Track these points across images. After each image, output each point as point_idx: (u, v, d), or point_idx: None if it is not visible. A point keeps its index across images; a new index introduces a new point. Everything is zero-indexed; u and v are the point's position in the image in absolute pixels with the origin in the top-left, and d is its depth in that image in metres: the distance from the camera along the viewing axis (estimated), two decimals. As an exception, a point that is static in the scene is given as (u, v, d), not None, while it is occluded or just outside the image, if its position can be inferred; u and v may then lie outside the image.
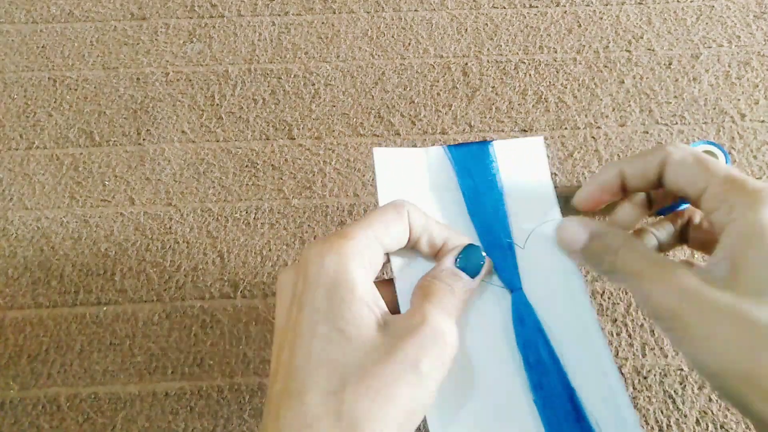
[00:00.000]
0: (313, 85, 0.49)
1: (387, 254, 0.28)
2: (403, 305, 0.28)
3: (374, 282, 0.26)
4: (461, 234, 0.29)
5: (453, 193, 0.31)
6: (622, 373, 0.38)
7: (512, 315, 0.28)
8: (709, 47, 0.51)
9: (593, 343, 0.27)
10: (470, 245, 0.28)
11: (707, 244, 0.29)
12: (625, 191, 0.29)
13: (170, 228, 0.44)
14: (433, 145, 0.47)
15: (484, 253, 0.28)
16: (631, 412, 0.26)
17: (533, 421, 0.26)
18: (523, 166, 0.32)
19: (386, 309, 0.25)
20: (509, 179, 0.31)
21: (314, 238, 0.43)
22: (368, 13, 0.53)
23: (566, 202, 0.44)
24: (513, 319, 0.28)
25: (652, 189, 0.29)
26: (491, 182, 0.31)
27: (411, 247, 0.28)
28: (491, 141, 0.32)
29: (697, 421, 0.37)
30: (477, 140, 0.47)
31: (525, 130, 0.47)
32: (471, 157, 0.31)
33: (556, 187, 0.33)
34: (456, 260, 0.27)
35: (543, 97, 0.48)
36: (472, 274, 0.27)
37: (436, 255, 0.29)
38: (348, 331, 0.23)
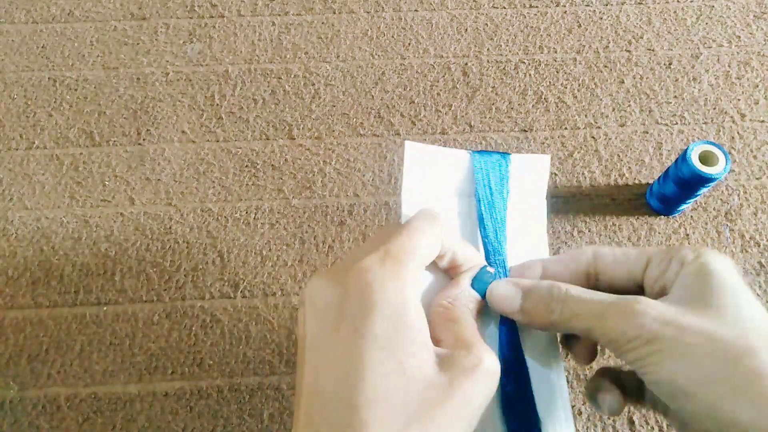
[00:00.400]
0: (313, 85, 0.49)
1: None
2: None
3: None
4: (476, 252, 0.29)
5: (469, 201, 0.32)
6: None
7: (498, 331, 0.29)
8: (709, 47, 0.51)
9: (554, 363, 0.29)
10: (484, 268, 0.29)
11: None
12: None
13: (170, 228, 0.44)
14: (434, 144, 0.46)
15: (491, 271, 0.29)
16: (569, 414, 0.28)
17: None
18: (528, 183, 0.33)
19: (433, 345, 0.25)
20: (514, 194, 0.32)
21: (313, 238, 0.43)
22: (368, 13, 0.53)
23: (565, 202, 0.44)
24: (499, 336, 0.29)
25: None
26: (502, 195, 0.32)
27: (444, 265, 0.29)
28: (509, 153, 0.33)
29: (697, 421, 0.37)
30: (477, 140, 0.47)
31: (525, 130, 0.47)
32: (491, 167, 0.32)
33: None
34: (472, 282, 0.28)
35: (543, 97, 0.48)
36: (483, 296, 0.28)
37: (450, 270, 0.29)
38: (407, 367, 0.22)
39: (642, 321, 0.23)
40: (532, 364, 0.29)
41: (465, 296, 0.27)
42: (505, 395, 0.27)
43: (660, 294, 0.26)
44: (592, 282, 0.28)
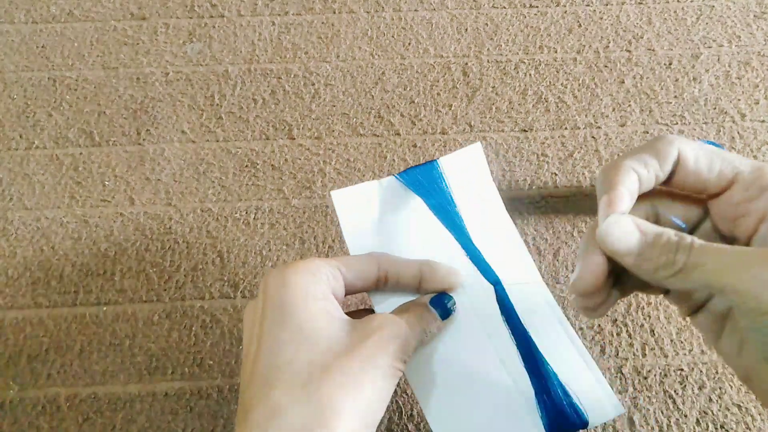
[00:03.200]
0: (313, 85, 0.49)
1: (363, 292, 0.30)
2: None
3: (356, 311, 0.29)
4: (431, 263, 0.31)
5: (418, 208, 0.33)
6: (622, 373, 0.38)
7: (498, 306, 0.31)
8: (710, 47, 0.51)
9: (559, 324, 0.31)
10: (441, 294, 0.30)
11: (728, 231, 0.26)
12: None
13: (170, 228, 0.44)
14: (433, 145, 0.47)
15: (452, 303, 0.30)
16: (602, 378, 0.29)
17: (527, 404, 0.29)
18: (468, 174, 0.35)
19: (344, 315, 0.27)
20: (459, 188, 0.34)
21: (313, 238, 0.43)
22: (368, 13, 0.53)
23: (566, 202, 0.44)
24: (500, 311, 0.31)
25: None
26: (445, 197, 0.34)
27: (390, 290, 0.31)
28: (436, 159, 0.34)
29: (698, 421, 0.37)
30: (478, 141, 0.47)
31: (525, 130, 0.47)
32: (422, 178, 0.34)
33: (502, 189, 0.36)
34: (429, 301, 0.30)
35: (543, 97, 0.48)
36: (441, 316, 0.29)
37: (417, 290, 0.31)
38: (307, 330, 0.25)
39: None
40: (530, 321, 0.30)
41: (419, 305, 0.29)
42: (539, 402, 0.29)
43: (734, 220, 0.24)
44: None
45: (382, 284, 0.30)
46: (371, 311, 0.31)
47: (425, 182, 0.34)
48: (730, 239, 0.25)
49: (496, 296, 0.31)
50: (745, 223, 0.24)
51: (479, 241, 0.32)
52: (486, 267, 0.32)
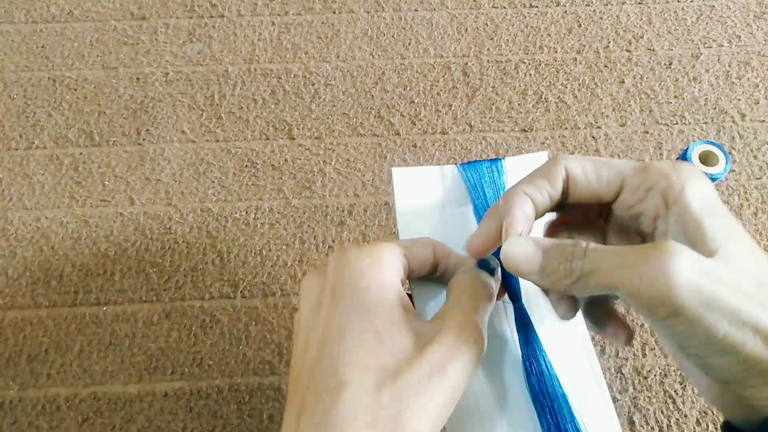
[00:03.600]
0: (313, 85, 0.49)
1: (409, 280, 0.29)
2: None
3: None
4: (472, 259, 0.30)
5: (466, 210, 0.33)
6: (622, 373, 0.38)
7: (516, 325, 0.29)
8: (710, 47, 0.51)
9: (583, 354, 0.29)
10: (484, 258, 0.29)
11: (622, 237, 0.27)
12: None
13: (170, 228, 0.44)
14: (433, 145, 0.46)
15: (498, 262, 0.29)
16: (612, 410, 0.28)
17: (534, 427, 0.27)
18: None
19: (414, 312, 0.26)
20: None
21: (313, 238, 0.43)
22: (368, 13, 0.53)
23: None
24: (517, 330, 0.29)
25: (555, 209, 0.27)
26: (500, 196, 0.32)
27: (437, 279, 0.29)
28: (502, 158, 0.33)
29: (698, 421, 0.37)
30: (477, 140, 0.47)
31: (525, 130, 0.47)
32: (483, 175, 0.33)
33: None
34: (478, 263, 0.29)
35: (543, 97, 0.48)
36: (492, 273, 0.28)
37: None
38: (383, 332, 0.23)
39: (674, 279, 0.20)
40: (554, 352, 0.29)
41: (471, 268, 0.28)
42: (531, 389, 0.28)
43: (631, 222, 0.25)
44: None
45: (431, 271, 0.29)
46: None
47: (484, 180, 0.33)
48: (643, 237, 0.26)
49: (515, 315, 0.29)
50: (645, 222, 0.25)
51: None
52: (513, 282, 0.30)
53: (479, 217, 0.32)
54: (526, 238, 0.26)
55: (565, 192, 0.26)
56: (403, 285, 0.27)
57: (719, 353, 0.21)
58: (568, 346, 0.29)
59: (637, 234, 0.26)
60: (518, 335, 0.29)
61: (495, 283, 0.28)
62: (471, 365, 0.24)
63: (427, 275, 0.29)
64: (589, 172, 0.25)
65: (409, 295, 0.30)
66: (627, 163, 0.25)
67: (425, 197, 0.33)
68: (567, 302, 0.27)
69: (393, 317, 0.24)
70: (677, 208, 0.23)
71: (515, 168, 0.33)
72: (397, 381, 0.22)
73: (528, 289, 0.30)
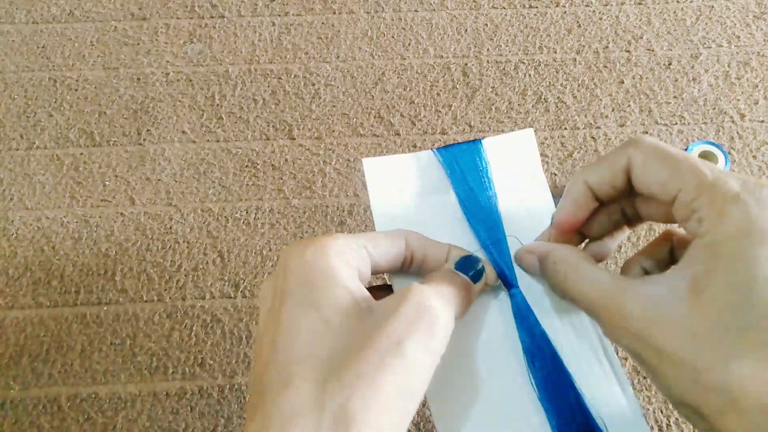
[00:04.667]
0: (314, 85, 0.49)
1: (385, 273, 0.28)
2: None
3: (370, 287, 0.26)
4: (462, 249, 0.28)
5: (446, 197, 0.31)
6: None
7: (513, 314, 0.28)
8: (709, 47, 0.51)
9: (591, 338, 0.27)
10: (468, 255, 0.27)
11: None
12: (600, 201, 0.26)
13: (171, 228, 0.44)
14: (433, 145, 0.47)
15: (483, 263, 0.27)
16: (633, 401, 0.26)
17: (540, 422, 0.25)
18: (514, 161, 0.31)
19: (372, 298, 0.24)
20: (501, 176, 0.31)
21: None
22: (368, 13, 0.53)
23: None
24: (515, 319, 0.28)
25: (627, 196, 0.26)
26: (483, 181, 0.31)
27: (414, 272, 0.28)
28: (481, 139, 0.31)
29: (697, 420, 0.37)
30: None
31: (525, 130, 0.47)
32: (461, 158, 0.31)
33: (550, 181, 0.33)
34: (454, 266, 0.27)
35: (543, 97, 0.49)
36: (474, 279, 0.26)
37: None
38: (331, 320, 0.22)
39: (625, 326, 0.21)
40: (558, 337, 0.27)
41: (446, 271, 0.26)
42: (536, 377, 0.26)
43: (685, 220, 0.22)
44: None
45: (407, 265, 0.27)
46: (390, 288, 0.29)
47: (463, 163, 0.31)
48: None
49: (512, 303, 0.28)
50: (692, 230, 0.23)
51: (515, 240, 0.29)
52: (507, 267, 0.29)
53: (464, 203, 0.30)
54: (527, 247, 0.28)
55: (631, 182, 0.24)
56: (368, 280, 0.25)
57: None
58: (578, 335, 0.27)
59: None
60: (516, 325, 0.27)
61: (470, 288, 0.26)
62: (437, 339, 0.22)
63: (406, 271, 0.27)
64: (649, 169, 0.23)
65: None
66: (693, 170, 0.22)
67: (401, 187, 0.31)
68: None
69: (342, 303, 0.22)
70: (713, 235, 0.21)
71: (496, 148, 0.31)
72: (345, 368, 0.21)
73: (527, 277, 0.29)
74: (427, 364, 0.22)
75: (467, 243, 0.29)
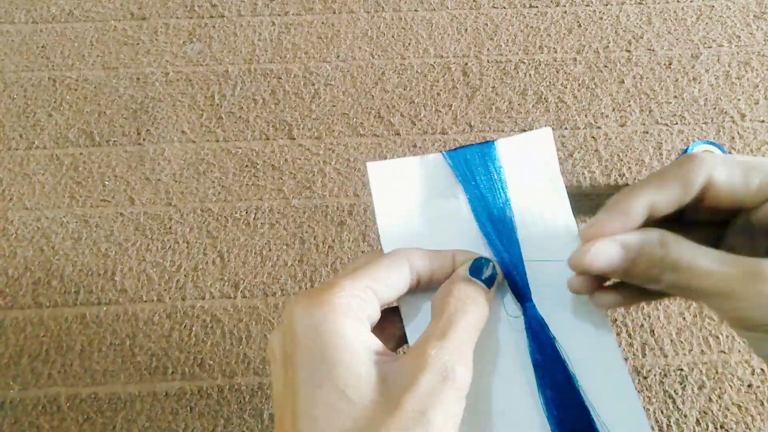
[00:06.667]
0: (313, 85, 0.49)
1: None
2: (411, 334, 0.27)
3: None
4: (467, 251, 0.27)
5: (456, 202, 0.29)
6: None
7: (525, 329, 0.26)
8: (709, 47, 0.51)
9: (609, 357, 0.26)
10: (479, 257, 0.26)
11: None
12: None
13: (170, 228, 0.44)
14: (433, 145, 0.47)
15: (495, 264, 0.26)
16: (644, 422, 0.25)
17: None
18: (529, 163, 0.30)
19: (387, 356, 0.23)
20: (515, 180, 0.29)
21: (313, 238, 0.43)
22: (368, 13, 0.53)
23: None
24: (527, 334, 0.26)
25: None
26: (495, 186, 0.29)
27: (421, 291, 0.26)
28: (494, 141, 0.30)
29: (697, 421, 0.37)
30: (477, 141, 0.46)
31: (525, 130, 0.47)
32: (472, 161, 0.30)
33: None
34: (468, 270, 0.25)
35: (543, 97, 0.48)
36: (486, 283, 0.25)
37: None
38: (349, 391, 0.21)
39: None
40: (575, 356, 0.26)
41: (460, 282, 0.25)
42: (546, 398, 0.25)
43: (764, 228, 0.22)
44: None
45: (414, 287, 0.26)
46: (395, 310, 0.27)
47: (474, 167, 0.29)
48: None
49: (525, 318, 0.26)
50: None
51: (530, 250, 0.28)
52: (521, 280, 0.27)
53: (475, 209, 0.29)
54: (611, 239, 0.23)
55: (701, 196, 0.23)
56: (377, 320, 0.24)
57: None
58: (594, 351, 0.26)
59: (766, 239, 0.24)
60: (528, 341, 0.26)
61: (488, 295, 0.25)
62: (459, 404, 0.22)
63: (413, 292, 0.26)
64: (737, 178, 0.23)
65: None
66: None
67: (408, 192, 0.29)
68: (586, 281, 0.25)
69: (358, 371, 0.21)
70: None
71: (510, 150, 0.30)
72: None
73: (542, 290, 0.27)
74: (450, 426, 0.21)
75: (479, 251, 0.28)
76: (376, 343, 0.23)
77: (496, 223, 0.28)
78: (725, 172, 0.23)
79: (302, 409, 0.21)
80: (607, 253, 0.23)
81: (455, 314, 0.23)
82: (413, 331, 0.26)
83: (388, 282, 0.24)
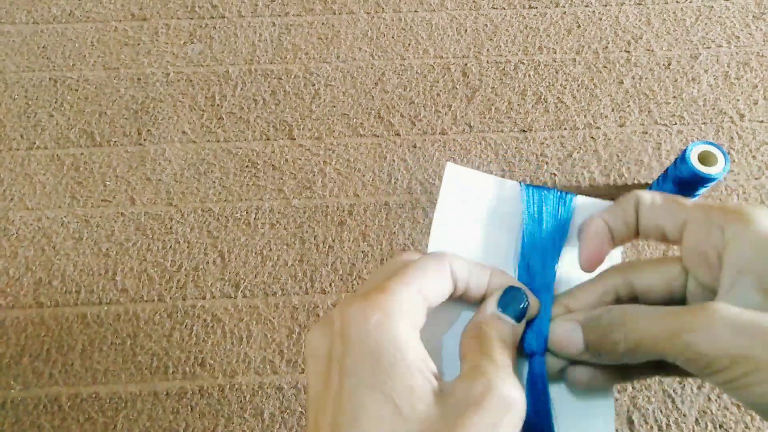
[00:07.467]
0: (314, 85, 0.49)
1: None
2: (446, 356, 0.26)
3: None
4: (504, 273, 0.27)
5: (511, 236, 0.29)
6: None
7: (526, 381, 0.26)
8: (708, 48, 0.51)
9: (598, 420, 0.26)
10: (511, 287, 0.25)
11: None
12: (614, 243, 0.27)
13: (171, 228, 0.44)
14: (433, 145, 0.47)
15: (528, 293, 0.26)
16: None
17: None
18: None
19: (437, 373, 0.22)
20: (575, 240, 0.29)
21: (313, 238, 0.43)
22: (368, 13, 0.53)
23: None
24: (526, 383, 0.26)
25: (633, 239, 0.27)
26: (555, 236, 0.29)
27: (457, 298, 0.26)
28: (574, 194, 0.30)
29: (697, 420, 0.37)
30: (477, 141, 0.47)
31: (524, 131, 0.47)
32: (546, 203, 0.30)
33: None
34: (497, 303, 0.25)
35: (542, 97, 0.49)
36: (516, 319, 0.25)
37: (481, 300, 0.26)
38: (401, 405, 0.20)
39: (723, 336, 0.19)
40: (563, 412, 0.25)
41: (492, 320, 0.24)
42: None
43: (703, 262, 0.23)
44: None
45: (458, 296, 0.26)
46: None
47: (548, 208, 0.29)
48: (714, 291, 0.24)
49: (528, 369, 0.26)
50: (711, 262, 0.23)
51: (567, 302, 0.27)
52: (540, 331, 0.26)
53: (527, 246, 0.28)
54: (565, 316, 0.25)
55: (638, 224, 0.26)
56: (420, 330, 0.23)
57: None
58: (586, 416, 0.26)
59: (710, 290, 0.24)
60: (527, 392, 0.25)
61: (515, 329, 0.24)
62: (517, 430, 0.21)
63: (452, 299, 0.26)
64: (657, 202, 0.25)
65: None
66: (694, 203, 0.24)
67: (472, 205, 0.29)
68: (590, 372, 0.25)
69: (412, 383, 0.20)
70: (738, 245, 0.21)
71: (584, 208, 0.30)
72: None
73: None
74: None
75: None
76: (428, 357, 0.22)
77: (539, 270, 0.28)
78: (648, 197, 0.26)
79: (347, 416, 0.20)
80: (563, 329, 0.24)
81: (499, 349, 0.23)
82: (437, 341, 0.26)
83: (436, 287, 0.24)
